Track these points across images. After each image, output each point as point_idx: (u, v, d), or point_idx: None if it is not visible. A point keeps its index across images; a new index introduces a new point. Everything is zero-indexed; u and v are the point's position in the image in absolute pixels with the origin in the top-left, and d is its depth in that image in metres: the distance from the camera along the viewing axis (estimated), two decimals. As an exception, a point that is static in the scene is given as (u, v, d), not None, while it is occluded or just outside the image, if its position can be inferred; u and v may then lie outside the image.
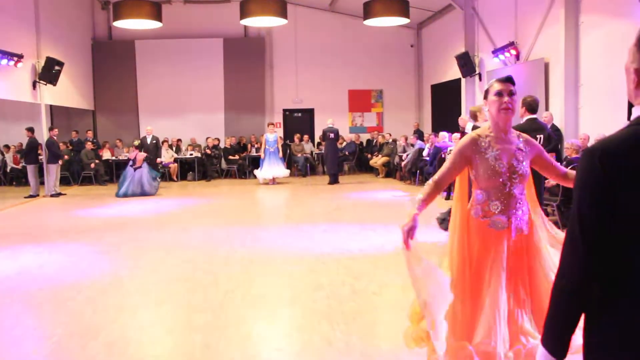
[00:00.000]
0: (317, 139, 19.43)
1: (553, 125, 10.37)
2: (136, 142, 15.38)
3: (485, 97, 3.25)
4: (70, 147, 17.33)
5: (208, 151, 18.42)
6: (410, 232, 2.97)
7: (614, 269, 1.57)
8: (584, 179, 1.59)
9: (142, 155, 14.56)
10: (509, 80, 3.20)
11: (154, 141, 16.38)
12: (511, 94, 3.14)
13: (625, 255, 1.55)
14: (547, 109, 11.58)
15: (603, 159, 1.54)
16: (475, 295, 3.12)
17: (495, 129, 3.20)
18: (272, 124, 17.15)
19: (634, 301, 1.54)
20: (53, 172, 14.38)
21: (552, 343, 1.68)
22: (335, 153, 16.62)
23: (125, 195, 13.93)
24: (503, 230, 3.13)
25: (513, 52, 13.47)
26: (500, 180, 3.11)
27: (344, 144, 19.22)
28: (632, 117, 1.63)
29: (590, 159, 1.57)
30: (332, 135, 16.23)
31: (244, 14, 15.47)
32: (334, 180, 16.12)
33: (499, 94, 3.14)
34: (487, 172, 3.12)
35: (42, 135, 14.69)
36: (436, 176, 3.22)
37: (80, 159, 17.01)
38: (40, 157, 14.76)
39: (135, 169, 14.22)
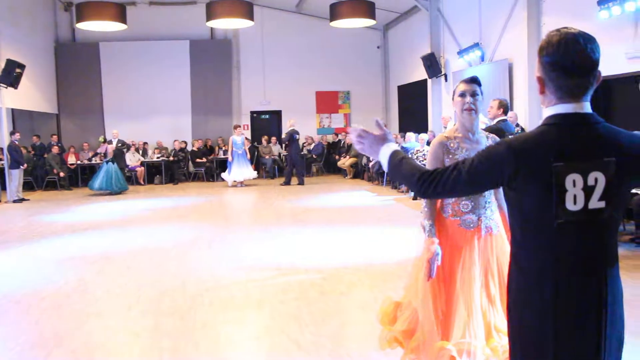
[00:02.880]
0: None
1: (517, 125, 10.56)
2: (101, 139, 15.88)
3: (453, 98, 3.31)
4: (33, 152, 16.94)
5: (174, 157, 18.24)
6: (433, 263, 3.05)
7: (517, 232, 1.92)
8: (493, 154, 1.88)
9: (111, 147, 15.15)
10: (473, 81, 3.25)
11: (120, 144, 16.11)
12: (474, 94, 3.19)
13: (522, 226, 1.90)
14: (511, 108, 11.74)
15: (515, 152, 1.82)
16: (449, 294, 3.16)
17: (462, 130, 3.26)
18: (239, 126, 17.13)
19: (526, 255, 1.89)
20: (15, 178, 14.06)
21: (390, 170, 2.07)
22: (301, 154, 16.79)
23: (100, 189, 14.76)
24: (473, 229, 3.18)
25: (478, 53, 13.65)
26: None
27: (312, 145, 19.23)
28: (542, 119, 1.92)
29: (505, 147, 1.85)
30: (297, 136, 16.33)
31: (210, 16, 15.38)
32: (302, 181, 16.20)
33: (463, 94, 3.21)
34: None
35: (3, 139, 14.35)
36: None
37: (44, 163, 16.67)
38: (1, 162, 14.40)
39: (107, 162, 14.93)
